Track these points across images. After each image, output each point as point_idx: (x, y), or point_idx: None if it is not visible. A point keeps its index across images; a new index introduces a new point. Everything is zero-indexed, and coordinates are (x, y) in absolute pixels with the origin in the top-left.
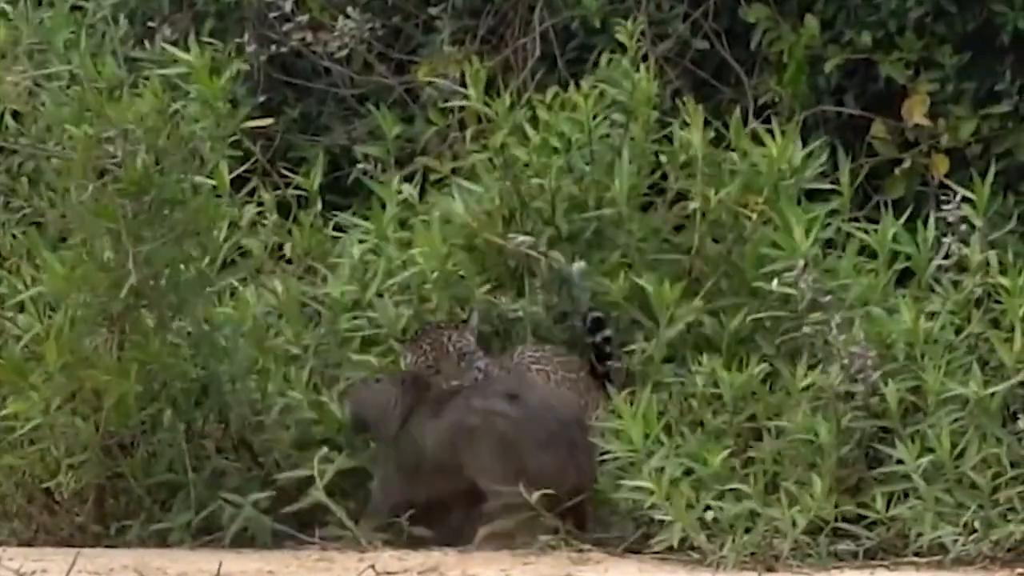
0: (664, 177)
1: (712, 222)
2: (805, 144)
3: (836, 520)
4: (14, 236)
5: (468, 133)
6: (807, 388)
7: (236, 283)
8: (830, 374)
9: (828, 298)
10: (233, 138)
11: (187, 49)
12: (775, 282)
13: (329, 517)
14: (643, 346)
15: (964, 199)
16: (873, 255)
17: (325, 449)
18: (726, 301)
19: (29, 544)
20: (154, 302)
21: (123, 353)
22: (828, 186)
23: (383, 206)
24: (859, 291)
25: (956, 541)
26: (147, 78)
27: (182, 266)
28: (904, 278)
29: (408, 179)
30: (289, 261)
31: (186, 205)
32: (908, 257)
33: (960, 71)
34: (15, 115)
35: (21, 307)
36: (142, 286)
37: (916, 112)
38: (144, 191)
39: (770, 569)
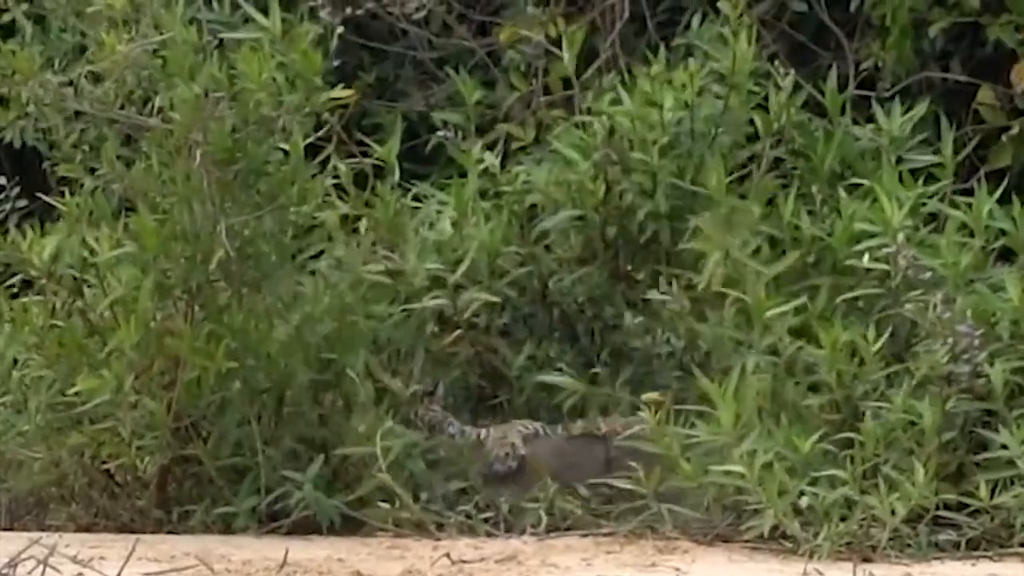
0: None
1: (804, 195)
2: (907, 112)
3: (937, 508)
4: (77, 204)
5: (552, 99)
6: (908, 368)
7: (312, 257)
8: (935, 353)
9: (928, 275)
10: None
11: (263, 12)
12: (866, 258)
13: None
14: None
15: None
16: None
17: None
18: (818, 280)
19: (88, 529)
20: (235, 276)
21: (201, 328)
22: (931, 157)
23: (463, 175)
24: (959, 268)
25: None
26: (221, 42)
27: (264, 239)
28: (1012, 254)
29: (489, 147)
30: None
31: (271, 176)
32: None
33: None
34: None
35: (85, 279)
36: (227, 258)
37: None
38: (232, 159)
39: (867, 559)
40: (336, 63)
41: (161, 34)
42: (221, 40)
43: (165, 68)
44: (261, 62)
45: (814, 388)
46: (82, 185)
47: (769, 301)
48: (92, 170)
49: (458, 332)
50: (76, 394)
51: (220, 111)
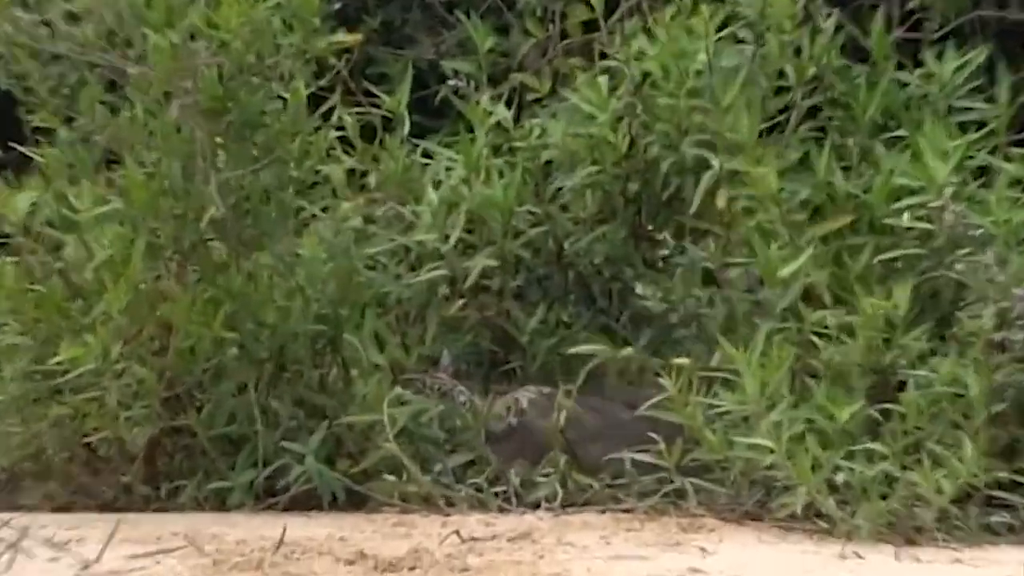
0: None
1: (839, 147)
2: (960, 56)
3: (988, 487)
4: (56, 157)
5: (570, 46)
6: (954, 334)
7: (317, 214)
8: (983, 318)
9: (978, 231)
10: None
11: None
12: (905, 216)
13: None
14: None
15: None
16: None
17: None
18: (855, 240)
19: (66, 508)
20: (231, 234)
21: (196, 291)
22: (984, 106)
23: (472, 130)
24: (1012, 226)
25: None
26: None
27: (262, 196)
28: None
29: (504, 99)
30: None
31: (268, 128)
32: None
33: None
34: (70, 18)
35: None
36: (217, 216)
37: None
38: (224, 110)
39: (911, 542)
40: (337, 5)
41: None
42: None
43: (137, 13)
44: (251, 4)
45: (849, 355)
46: (60, 135)
47: (784, 260)
48: (70, 119)
49: (462, 300)
50: (57, 363)
51: (204, 59)
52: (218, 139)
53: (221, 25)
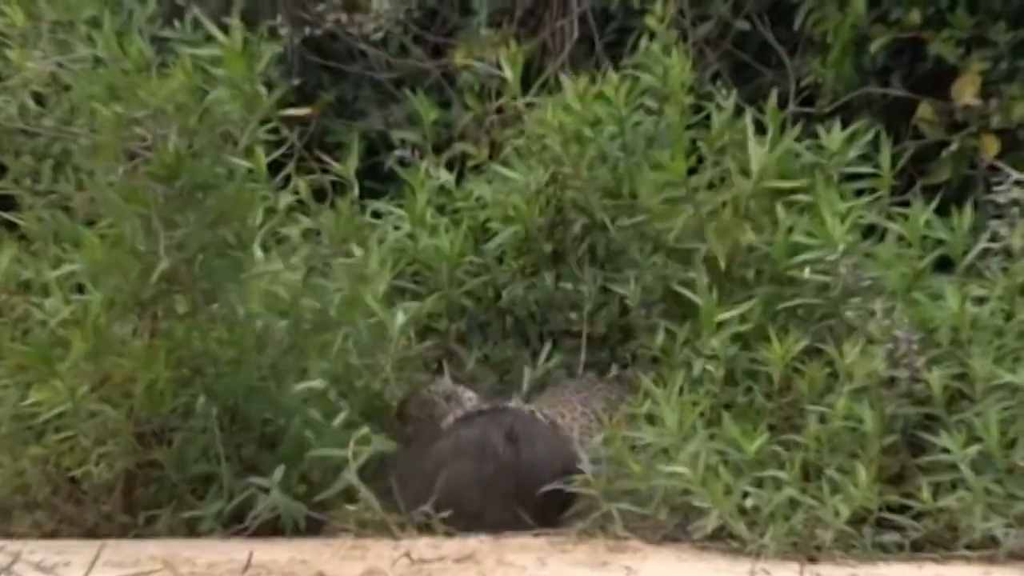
0: (701, 162)
1: (742, 211)
2: (847, 128)
3: (881, 510)
4: (39, 219)
5: (504, 118)
6: (849, 373)
7: (273, 270)
8: (874, 357)
9: (868, 282)
10: (269, 124)
11: (223, 30)
12: (807, 270)
13: (359, 503)
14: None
15: (1017, 182)
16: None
17: (364, 430)
18: (761, 290)
19: (53, 536)
20: (187, 288)
21: (153, 340)
22: (870, 170)
23: (418, 191)
24: (898, 278)
25: (1008, 534)
26: (177, 58)
27: (215, 252)
28: (950, 264)
29: (448, 165)
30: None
31: (220, 190)
32: (942, 243)
33: (1015, 48)
34: (38, 98)
35: (45, 292)
36: (175, 271)
37: (966, 92)
38: (176, 175)
39: (812, 559)
40: (297, 82)
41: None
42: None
43: (84, 89)
44: (190, 75)
45: (757, 393)
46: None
47: (717, 309)
48: (35, 187)
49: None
50: (37, 405)
51: (160, 128)
52: (172, 201)
53: (161, 99)
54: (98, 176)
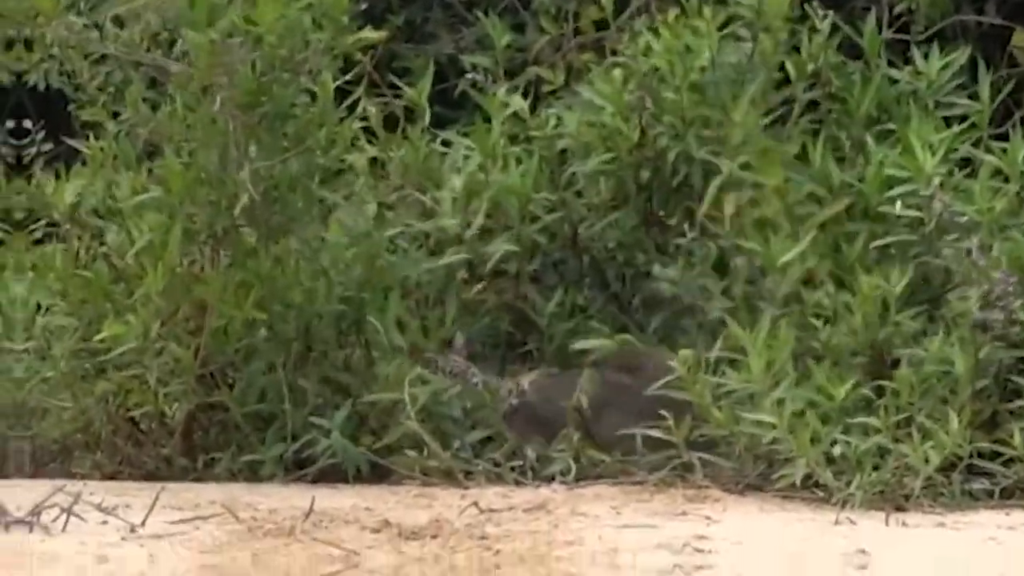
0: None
1: (834, 139)
2: (944, 56)
3: (971, 457)
4: (101, 149)
5: (583, 41)
6: (942, 316)
7: (340, 201)
8: (969, 299)
9: (964, 219)
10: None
11: None
12: (898, 205)
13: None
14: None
15: None
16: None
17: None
18: (851, 227)
19: (112, 477)
20: (260, 220)
21: (228, 274)
22: (968, 102)
23: (489, 120)
24: (994, 214)
25: None
26: None
27: (290, 184)
28: None
29: (520, 91)
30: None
31: (298, 119)
32: None
33: None
34: (118, 21)
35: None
36: (252, 203)
37: None
38: (258, 103)
39: (900, 508)
40: (364, 5)
41: None
42: None
43: (183, 14)
44: (285, 3)
45: (846, 336)
46: (106, 129)
47: (784, 248)
48: (116, 114)
49: (482, 284)
50: (101, 341)
51: (242, 56)
52: (250, 130)
53: (257, 22)
54: (178, 104)
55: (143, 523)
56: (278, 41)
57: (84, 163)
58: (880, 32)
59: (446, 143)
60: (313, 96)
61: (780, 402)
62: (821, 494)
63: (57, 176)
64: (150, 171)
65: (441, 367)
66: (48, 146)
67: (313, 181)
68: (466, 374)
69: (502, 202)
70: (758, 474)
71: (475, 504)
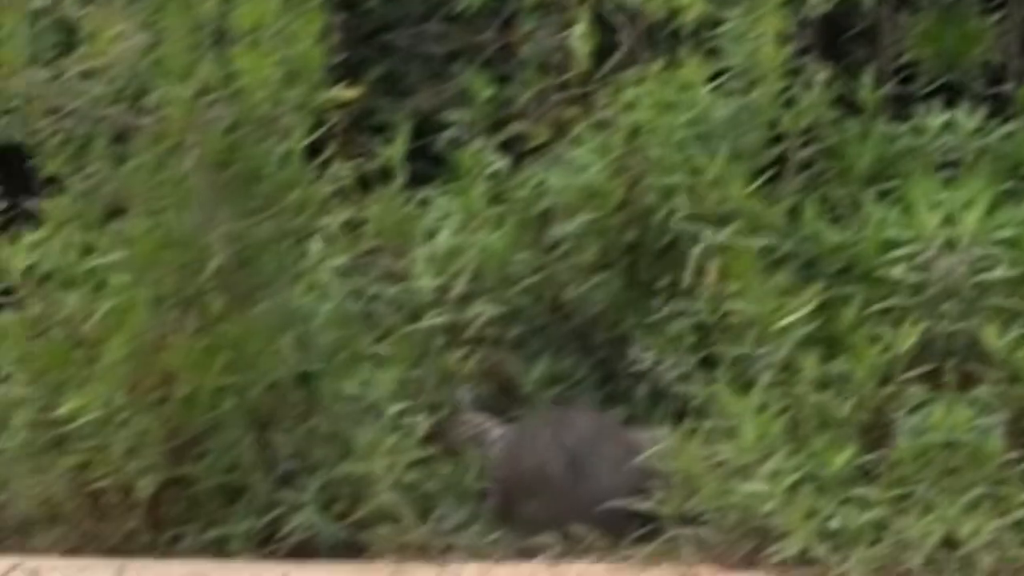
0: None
1: (829, 201)
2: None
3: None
4: (62, 207)
5: (571, 95)
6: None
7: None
8: None
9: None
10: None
11: None
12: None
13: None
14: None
15: None
16: None
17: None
18: (846, 289)
19: (74, 552)
20: (230, 284)
21: (197, 339)
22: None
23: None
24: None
25: None
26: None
27: (262, 246)
28: None
29: (503, 147)
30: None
31: (270, 179)
32: None
33: None
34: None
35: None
36: (224, 266)
37: None
38: (231, 161)
39: None
40: (341, 57)
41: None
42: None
43: (158, 66)
44: (260, 58)
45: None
46: (68, 186)
47: (777, 313)
48: (80, 169)
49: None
50: (71, 413)
51: (216, 112)
52: (221, 190)
53: (238, 76)
54: (148, 162)
55: None
56: (254, 97)
57: (44, 221)
58: (879, 86)
59: (424, 201)
60: (286, 155)
61: (775, 474)
62: (817, 569)
63: (13, 238)
64: (115, 231)
65: (455, 430)
66: (3, 205)
67: (284, 244)
68: (483, 436)
69: (482, 264)
70: (752, 548)
71: None
